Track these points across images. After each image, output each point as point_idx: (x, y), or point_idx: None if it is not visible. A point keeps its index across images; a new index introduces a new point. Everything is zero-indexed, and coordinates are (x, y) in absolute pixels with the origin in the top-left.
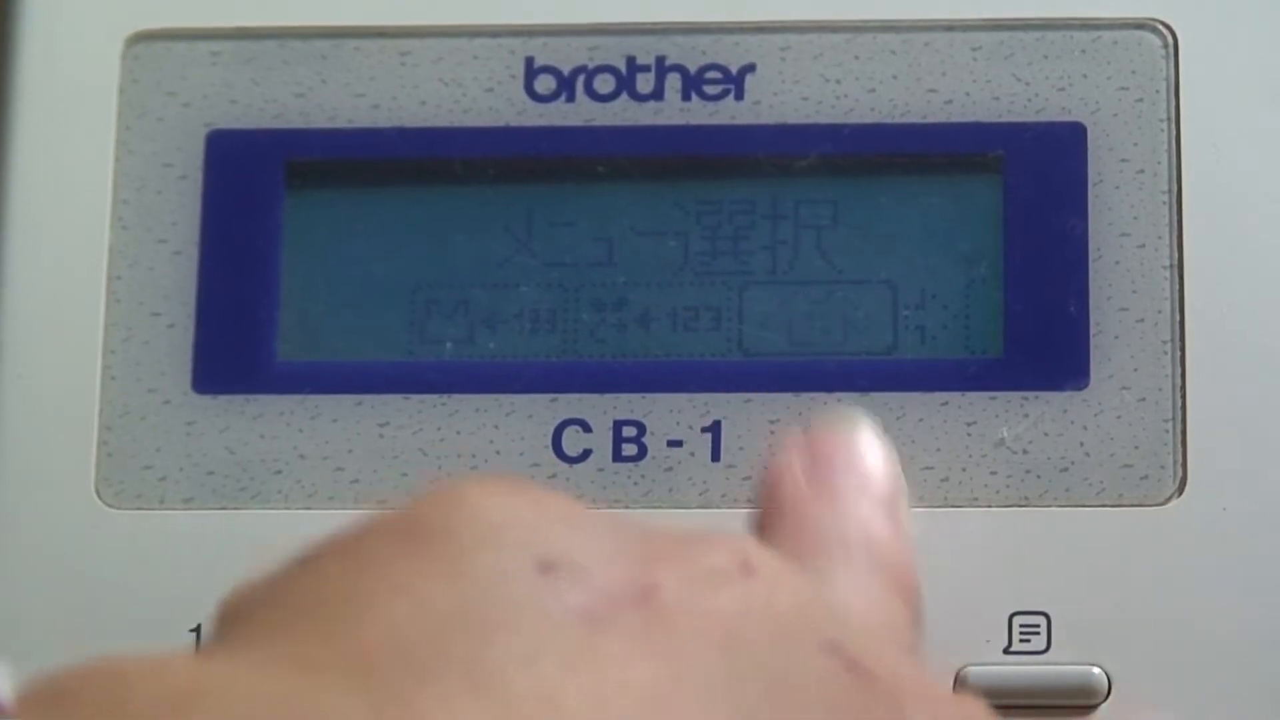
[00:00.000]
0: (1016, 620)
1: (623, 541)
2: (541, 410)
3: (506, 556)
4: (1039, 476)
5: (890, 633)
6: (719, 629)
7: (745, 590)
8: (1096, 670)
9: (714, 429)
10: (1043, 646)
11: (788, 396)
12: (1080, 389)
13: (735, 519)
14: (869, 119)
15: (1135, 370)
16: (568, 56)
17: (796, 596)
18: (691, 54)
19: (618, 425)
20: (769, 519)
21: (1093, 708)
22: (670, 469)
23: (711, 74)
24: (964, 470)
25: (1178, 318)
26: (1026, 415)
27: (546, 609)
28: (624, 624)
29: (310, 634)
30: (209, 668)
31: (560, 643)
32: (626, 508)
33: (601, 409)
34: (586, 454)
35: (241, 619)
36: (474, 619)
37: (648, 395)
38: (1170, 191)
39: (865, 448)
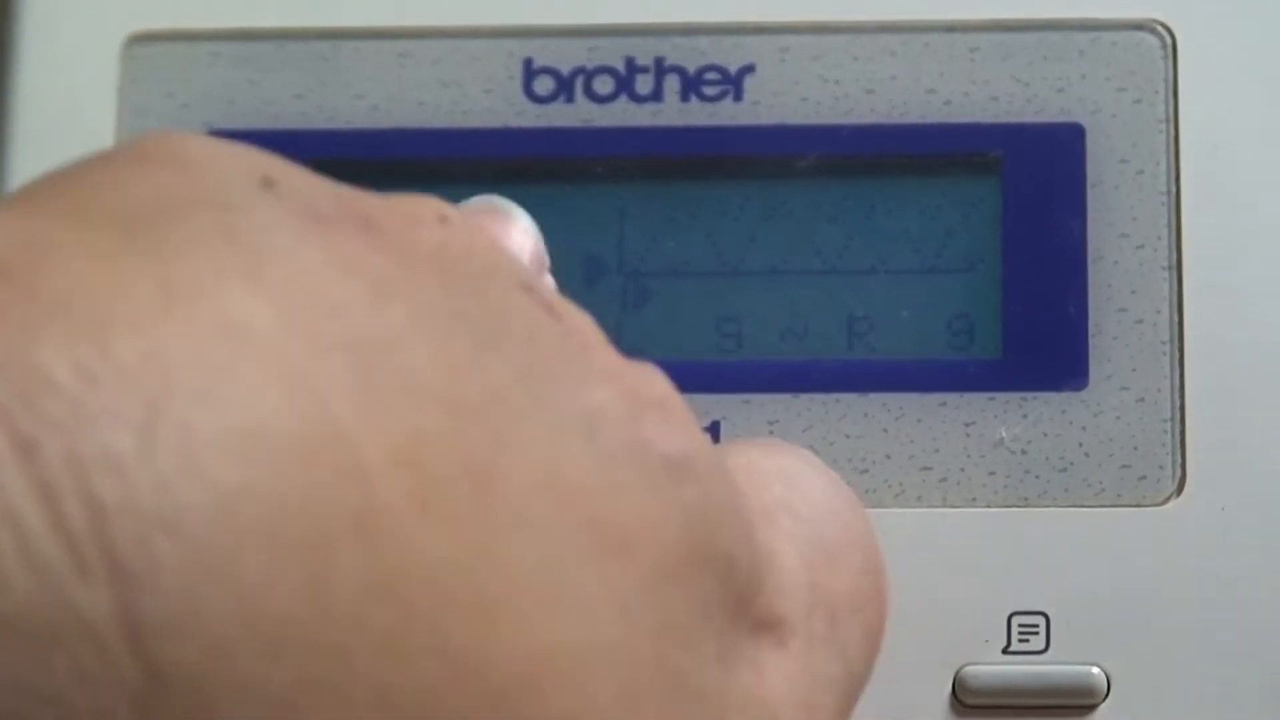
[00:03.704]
0: (1015, 620)
1: (331, 183)
2: None
3: (230, 166)
4: (1038, 477)
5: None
6: (432, 259)
7: (446, 234)
8: (1096, 670)
9: (713, 429)
10: (1042, 646)
11: (786, 397)
12: (1079, 389)
13: None
14: (868, 120)
15: (1134, 370)
16: (566, 57)
17: (489, 244)
18: (690, 55)
19: None
20: None
21: (1092, 708)
22: None
23: (710, 75)
24: (963, 470)
25: (1176, 318)
26: (1025, 416)
27: (277, 206)
28: (348, 234)
29: (59, 196)
30: None
31: (297, 225)
32: None
33: None
34: None
35: None
36: (210, 200)
37: None
38: (1169, 192)
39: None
